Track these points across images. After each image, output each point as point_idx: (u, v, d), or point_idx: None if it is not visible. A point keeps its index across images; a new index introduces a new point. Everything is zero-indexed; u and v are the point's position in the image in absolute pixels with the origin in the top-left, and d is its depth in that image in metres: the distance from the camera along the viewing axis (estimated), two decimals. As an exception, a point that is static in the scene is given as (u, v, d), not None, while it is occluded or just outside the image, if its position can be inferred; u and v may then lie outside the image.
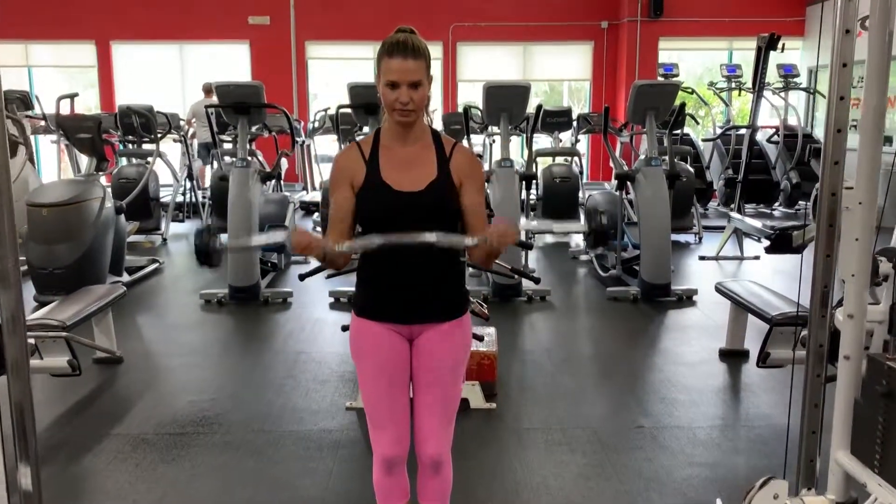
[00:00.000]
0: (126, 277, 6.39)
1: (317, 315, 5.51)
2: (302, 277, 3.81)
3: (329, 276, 3.68)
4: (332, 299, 5.77)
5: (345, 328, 2.26)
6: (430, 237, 1.93)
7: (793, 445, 2.40)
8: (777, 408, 3.83)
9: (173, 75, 12.94)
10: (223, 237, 2.08)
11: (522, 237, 6.06)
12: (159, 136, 8.01)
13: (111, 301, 4.35)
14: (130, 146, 8.88)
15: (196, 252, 2.07)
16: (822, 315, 2.37)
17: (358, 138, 2.20)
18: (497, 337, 4.16)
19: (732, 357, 4.58)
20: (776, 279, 6.36)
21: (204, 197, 9.18)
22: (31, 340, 3.49)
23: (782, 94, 10.61)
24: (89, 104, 12.89)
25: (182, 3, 12.44)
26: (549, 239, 8.54)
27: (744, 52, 12.66)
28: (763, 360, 3.66)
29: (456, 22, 12.53)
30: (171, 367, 4.53)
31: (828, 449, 2.34)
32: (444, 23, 12.45)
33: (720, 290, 4.62)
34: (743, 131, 10.02)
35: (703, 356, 4.65)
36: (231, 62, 12.80)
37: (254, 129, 8.37)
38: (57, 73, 13.56)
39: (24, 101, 8.63)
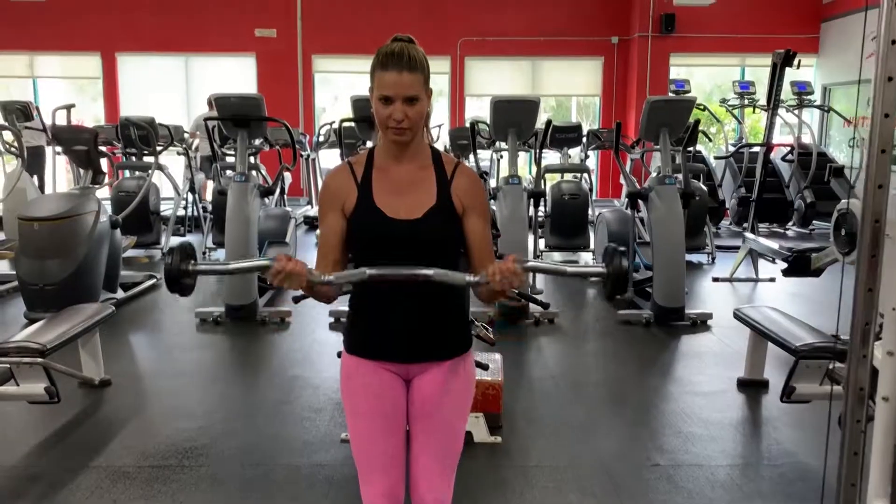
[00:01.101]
0: (121, 294, 6.20)
1: (315, 336, 5.29)
2: (296, 300, 3.60)
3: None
4: (331, 319, 5.55)
5: (339, 354, 2.05)
6: (427, 272, 1.72)
7: (829, 491, 2.17)
8: (802, 445, 3.59)
9: (178, 87, 12.83)
10: (196, 261, 1.83)
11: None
12: (160, 148, 7.84)
13: (98, 321, 4.14)
14: (133, 158, 8.73)
15: (165, 277, 1.82)
16: (864, 354, 2.14)
17: (352, 158, 1.95)
18: (503, 364, 3.93)
19: (751, 387, 4.34)
20: (794, 303, 6.13)
21: (205, 210, 9.00)
22: (7, 365, 3.29)
23: (796, 111, 10.40)
24: (98, 115, 12.80)
25: (188, 15, 12.34)
26: (557, 257, 8.32)
27: (756, 68, 12.50)
28: (788, 395, 3.42)
29: (464, 37, 12.39)
30: (160, 391, 4.32)
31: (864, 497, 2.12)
32: (452, 37, 12.32)
33: (739, 316, 4.38)
34: (756, 149, 9.80)
35: (721, 386, 4.41)
36: (237, 75, 12.69)
37: (256, 142, 8.22)
38: (64, 84, 13.47)
39: (24, 111, 8.49)
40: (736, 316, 4.44)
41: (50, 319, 4.05)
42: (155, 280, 6.84)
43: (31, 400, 3.46)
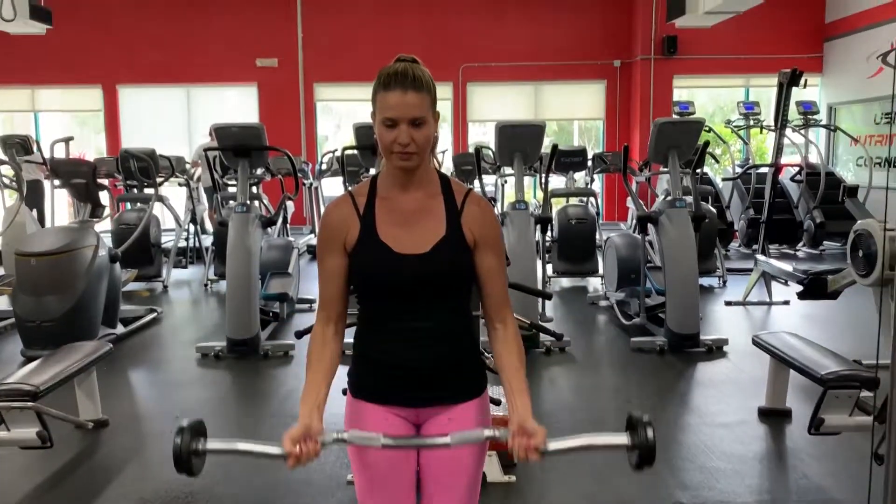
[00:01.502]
0: (121, 329, 6.06)
1: (320, 370, 5.13)
2: (299, 335, 3.46)
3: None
4: (338, 364, 5.39)
5: (344, 391, 1.91)
6: (445, 440, 1.62)
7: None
8: (831, 479, 3.42)
9: (180, 117, 12.79)
10: (206, 440, 1.63)
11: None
12: (160, 179, 7.75)
13: (95, 360, 4.00)
14: (134, 191, 8.64)
15: (174, 457, 1.59)
16: (909, 389, 1.99)
17: (353, 188, 1.82)
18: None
19: (774, 417, 4.17)
20: (810, 327, 5.97)
21: (212, 244, 8.88)
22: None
23: (802, 131, 10.30)
24: (101, 148, 12.75)
25: (189, 46, 12.34)
26: (565, 283, 8.18)
27: (760, 89, 12.43)
28: (816, 427, 3.25)
29: (466, 62, 12.36)
30: (159, 432, 4.15)
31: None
32: (454, 63, 12.28)
33: (758, 343, 4.22)
34: (764, 170, 9.69)
35: (741, 416, 4.24)
36: (239, 104, 12.65)
37: (258, 172, 8.12)
38: (66, 118, 13.45)
39: (23, 145, 8.43)
40: (755, 343, 4.29)
41: (45, 359, 3.92)
42: (156, 314, 6.71)
43: (23, 445, 3.31)
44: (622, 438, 1.61)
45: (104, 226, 8.10)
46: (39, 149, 8.77)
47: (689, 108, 10.64)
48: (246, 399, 4.81)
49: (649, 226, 5.87)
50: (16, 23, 10.10)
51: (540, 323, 4.67)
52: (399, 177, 1.70)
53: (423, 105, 1.61)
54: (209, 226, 9.91)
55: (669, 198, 5.73)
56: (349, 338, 1.88)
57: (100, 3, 12.22)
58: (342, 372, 1.84)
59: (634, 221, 9.27)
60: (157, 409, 4.58)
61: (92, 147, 12.98)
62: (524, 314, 4.24)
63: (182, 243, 9.08)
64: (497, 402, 3.45)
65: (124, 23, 12.31)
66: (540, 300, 5.74)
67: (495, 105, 12.72)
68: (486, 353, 3.27)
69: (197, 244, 9.33)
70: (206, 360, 5.45)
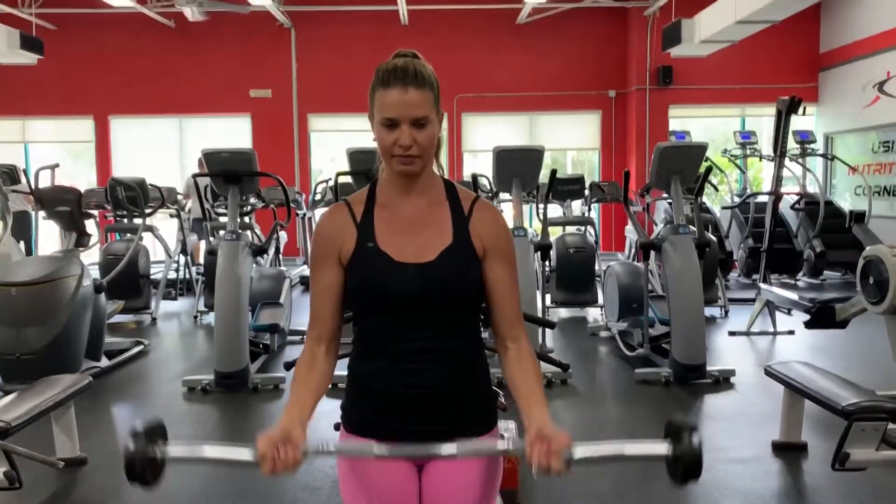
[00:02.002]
0: (105, 362, 5.83)
1: (311, 404, 4.91)
2: (288, 366, 3.25)
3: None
4: (328, 386, 5.18)
5: (337, 426, 1.72)
6: (449, 449, 1.42)
7: None
8: (857, 518, 3.21)
9: (172, 148, 12.66)
10: (166, 443, 1.42)
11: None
12: (150, 210, 7.57)
13: (73, 394, 3.78)
14: (124, 220, 8.45)
15: (125, 465, 1.37)
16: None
17: (350, 196, 1.64)
18: (517, 432, 3.56)
19: (789, 452, 3.96)
20: (819, 358, 5.76)
21: (199, 273, 8.69)
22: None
23: (800, 160, 10.23)
24: (92, 180, 12.58)
25: (182, 78, 12.27)
26: (564, 313, 7.99)
27: (755, 119, 12.40)
28: (841, 463, 3.05)
29: (461, 93, 12.31)
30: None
31: None
32: (449, 93, 12.18)
33: (771, 373, 4.03)
34: (763, 199, 9.59)
35: (755, 451, 4.03)
36: (232, 134, 12.53)
37: (252, 201, 7.95)
38: (57, 150, 13.30)
39: (10, 175, 8.26)
40: (767, 373, 4.10)
41: (21, 393, 3.70)
42: (143, 347, 6.48)
43: (-10, 486, 3.08)
44: (662, 448, 1.40)
45: (92, 257, 7.91)
46: (27, 179, 8.59)
47: (686, 137, 10.57)
48: (233, 435, 4.57)
49: (651, 253, 5.71)
50: (7, 53, 10.04)
51: (544, 352, 4.48)
52: (400, 182, 1.54)
53: (425, 103, 1.45)
54: (200, 257, 9.72)
55: (672, 224, 5.58)
56: (342, 370, 1.70)
57: (92, 34, 12.15)
58: (333, 407, 1.64)
59: (633, 251, 9.12)
60: (140, 447, 4.35)
61: (84, 180, 12.82)
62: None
63: (172, 275, 8.87)
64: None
65: (117, 53, 12.25)
66: (540, 330, 5.54)
67: (490, 135, 12.66)
68: (498, 391, 3.08)
69: (187, 276, 9.12)
70: (193, 394, 5.22)
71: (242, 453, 1.39)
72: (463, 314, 1.57)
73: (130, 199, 7.48)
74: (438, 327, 1.54)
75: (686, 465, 1.36)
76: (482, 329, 1.73)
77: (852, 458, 3.05)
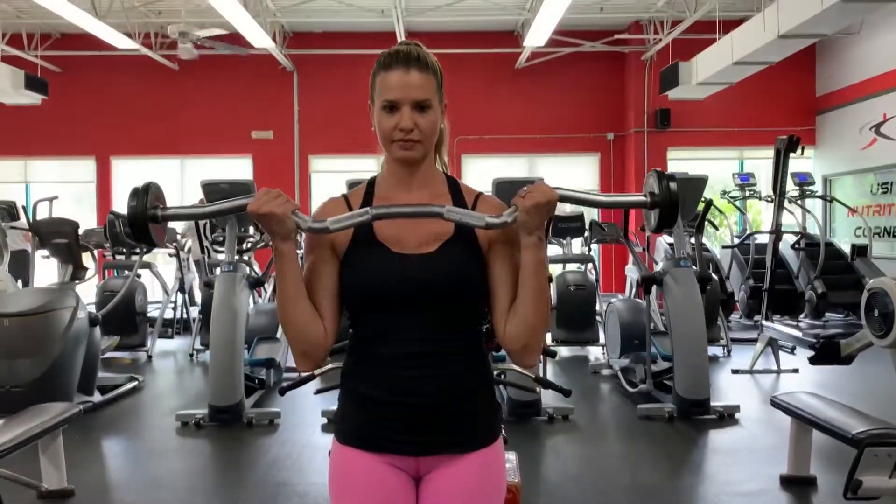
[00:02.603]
0: (98, 397, 5.72)
1: (306, 439, 4.80)
2: (283, 391, 3.14)
3: (318, 392, 3.05)
4: (324, 420, 5.08)
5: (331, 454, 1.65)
6: (438, 209, 1.40)
7: None
8: (870, 552, 3.09)
9: (173, 189, 12.69)
10: (165, 205, 1.65)
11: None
12: (146, 247, 7.53)
13: (61, 422, 3.68)
14: (122, 257, 8.41)
15: (129, 223, 1.60)
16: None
17: (349, 191, 1.60)
18: (519, 464, 3.45)
19: (797, 485, 3.85)
20: (824, 394, 5.65)
21: (199, 313, 8.60)
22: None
23: (799, 201, 10.24)
24: (92, 220, 12.57)
25: (184, 119, 12.36)
26: (565, 352, 7.89)
27: (753, 161, 12.46)
28: (854, 491, 2.95)
29: (460, 135, 12.39)
30: None
31: None
32: (449, 135, 12.31)
33: (777, 404, 3.94)
34: (763, 239, 9.56)
35: (762, 484, 3.92)
36: (233, 175, 12.55)
37: (252, 237, 7.91)
38: (59, 190, 13.31)
39: (9, 211, 8.26)
40: (774, 404, 4.00)
41: (8, 420, 3.61)
42: (137, 382, 6.37)
43: (-28, 514, 2.97)
44: (641, 197, 1.54)
45: (89, 294, 7.84)
46: (27, 215, 8.59)
47: (685, 178, 10.60)
48: (227, 468, 4.45)
49: (653, 288, 5.66)
50: (11, 93, 10.13)
51: (545, 378, 4.38)
52: (400, 175, 1.49)
53: (428, 86, 1.42)
54: (198, 297, 9.64)
55: (673, 258, 5.54)
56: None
57: (96, 75, 12.28)
58: (328, 442, 1.57)
59: (634, 290, 9.05)
60: (129, 480, 4.23)
61: (85, 222, 12.80)
62: (530, 371, 3.96)
63: (169, 313, 8.78)
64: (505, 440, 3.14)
65: (120, 95, 12.36)
66: (541, 360, 5.44)
67: (490, 176, 12.69)
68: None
69: (185, 315, 9.04)
70: (187, 428, 5.10)
71: (238, 202, 1.48)
72: (463, 315, 1.50)
73: (129, 233, 7.45)
74: (437, 327, 1.47)
75: (664, 211, 1.45)
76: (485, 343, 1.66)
77: (865, 485, 2.95)
